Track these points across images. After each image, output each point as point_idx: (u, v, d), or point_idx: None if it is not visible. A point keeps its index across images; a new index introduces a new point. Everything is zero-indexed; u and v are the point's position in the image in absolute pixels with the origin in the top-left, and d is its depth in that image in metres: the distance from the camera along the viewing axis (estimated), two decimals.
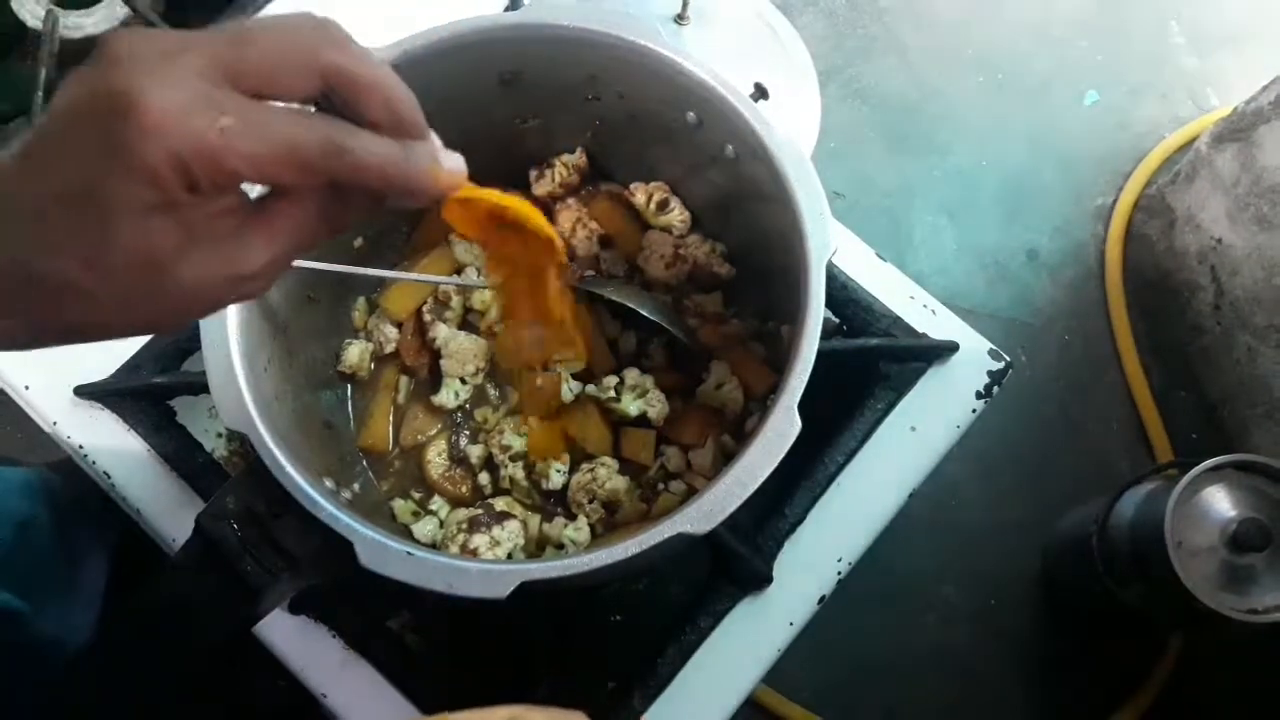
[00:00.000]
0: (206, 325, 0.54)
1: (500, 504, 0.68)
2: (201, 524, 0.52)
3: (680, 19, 0.87)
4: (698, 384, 0.71)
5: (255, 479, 0.52)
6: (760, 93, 0.85)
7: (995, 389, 0.73)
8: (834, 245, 0.56)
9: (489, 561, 0.62)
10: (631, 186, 0.74)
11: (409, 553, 0.49)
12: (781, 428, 0.52)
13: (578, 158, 0.74)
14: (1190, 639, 1.05)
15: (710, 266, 0.73)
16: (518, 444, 0.69)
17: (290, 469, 0.51)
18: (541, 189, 0.75)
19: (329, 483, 0.65)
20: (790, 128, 0.86)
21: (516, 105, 0.69)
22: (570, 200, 0.75)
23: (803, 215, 0.56)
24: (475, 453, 0.71)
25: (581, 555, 0.50)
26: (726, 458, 0.68)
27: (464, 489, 0.70)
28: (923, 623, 1.08)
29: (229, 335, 0.53)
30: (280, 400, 0.60)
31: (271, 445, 0.51)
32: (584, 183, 0.75)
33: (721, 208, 0.72)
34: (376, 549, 0.49)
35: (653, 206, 0.73)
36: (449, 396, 0.72)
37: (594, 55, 0.63)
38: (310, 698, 0.66)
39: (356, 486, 0.69)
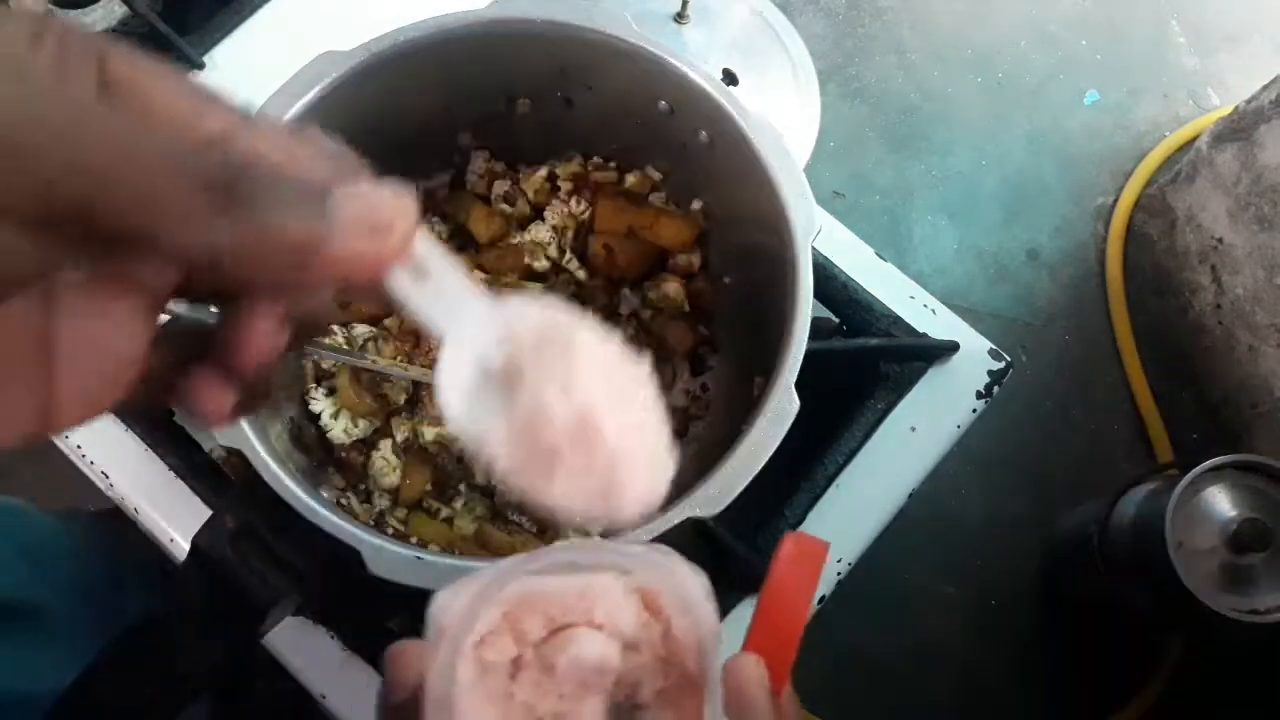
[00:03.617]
0: None
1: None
2: (199, 545, 0.51)
3: (680, 18, 0.87)
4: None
5: (251, 495, 0.51)
6: (730, 78, 0.85)
7: (995, 389, 0.73)
8: (818, 224, 0.57)
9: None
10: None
11: (418, 557, 0.49)
12: (782, 406, 0.52)
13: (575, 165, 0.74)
14: (1190, 640, 1.05)
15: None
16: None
17: (289, 482, 0.50)
18: (530, 187, 0.74)
19: (325, 493, 0.65)
20: (790, 127, 0.86)
21: (487, 105, 0.68)
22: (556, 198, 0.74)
23: (784, 196, 0.57)
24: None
25: None
26: None
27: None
28: (923, 623, 1.08)
29: None
30: (273, 409, 0.60)
31: (268, 459, 0.51)
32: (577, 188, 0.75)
33: (700, 195, 0.72)
34: (385, 555, 0.49)
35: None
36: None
37: (563, 49, 0.62)
38: (310, 698, 0.66)
39: (353, 495, 0.68)
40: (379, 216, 0.25)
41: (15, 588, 0.64)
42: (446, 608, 0.31)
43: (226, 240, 0.23)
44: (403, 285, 0.27)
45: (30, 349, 0.25)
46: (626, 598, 0.31)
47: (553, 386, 0.28)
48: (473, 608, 0.30)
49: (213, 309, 0.28)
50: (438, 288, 0.28)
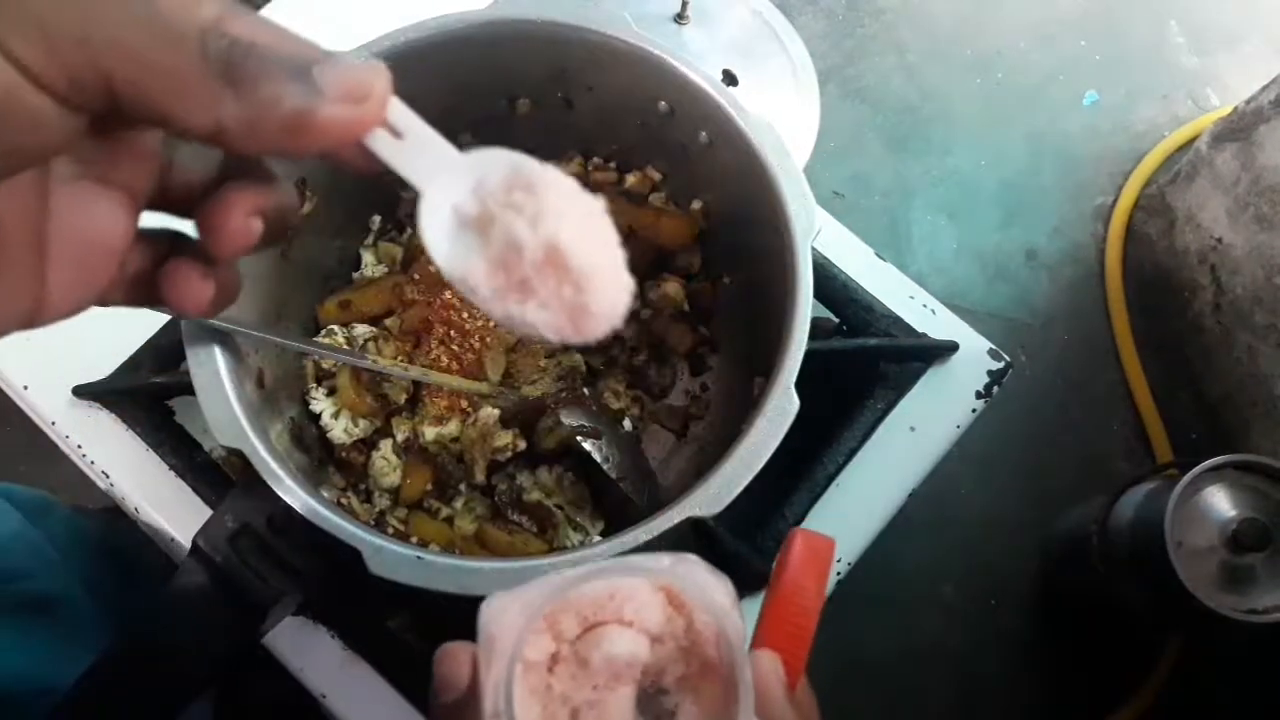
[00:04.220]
0: (190, 339, 0.52)
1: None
2: (199, 545, 0.50)
3: (680, 18, 0.87)
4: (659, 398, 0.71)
5: (251, 495, 0.51)
6: (730, 79, 0.85)
7: (995, 389, 0.73)
8: (818, 224, 0.57)
9: (499, 561, 0.62)
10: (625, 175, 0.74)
11: (418, 556, 0.49)
12: (782, 406, 0.52)
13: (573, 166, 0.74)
14: (1190, 639, 1.05)
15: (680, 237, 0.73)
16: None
17: (290, 482, 0.50)
18: None
19: (325, 493, 0.64)
20: (790, 127, 0.86)
21: (487, 105, 0.68)
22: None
23: (784, 196, 0.57)
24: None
25: (594, 548, 0.50)
26: None
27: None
28: (923, 623, 1.08)
29: (215, 353, 0.52)
30: (273, 410, 0.60)
31: (268, 459, 0.50)
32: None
33: (700, 195, 0.72)
34: (385, 554, 0.49)
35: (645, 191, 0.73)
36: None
37: (563, 50, 0.62)
38: (310, 698, 0.66)
39: (353, 495, 0.68)
40: (358, 84, 0.28)
41: (50, 580, 0.65)
42: (497, 617, 0.33)
43: (231, 112, 0.26)
44: (383, 146, 0.31)
45: (26, 239, 0.28)
46: (653, 596, 0.33)
47: (521, 222, 0.31)
48: (524, 628, 0.32)
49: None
50: (413, 146, 0.31)
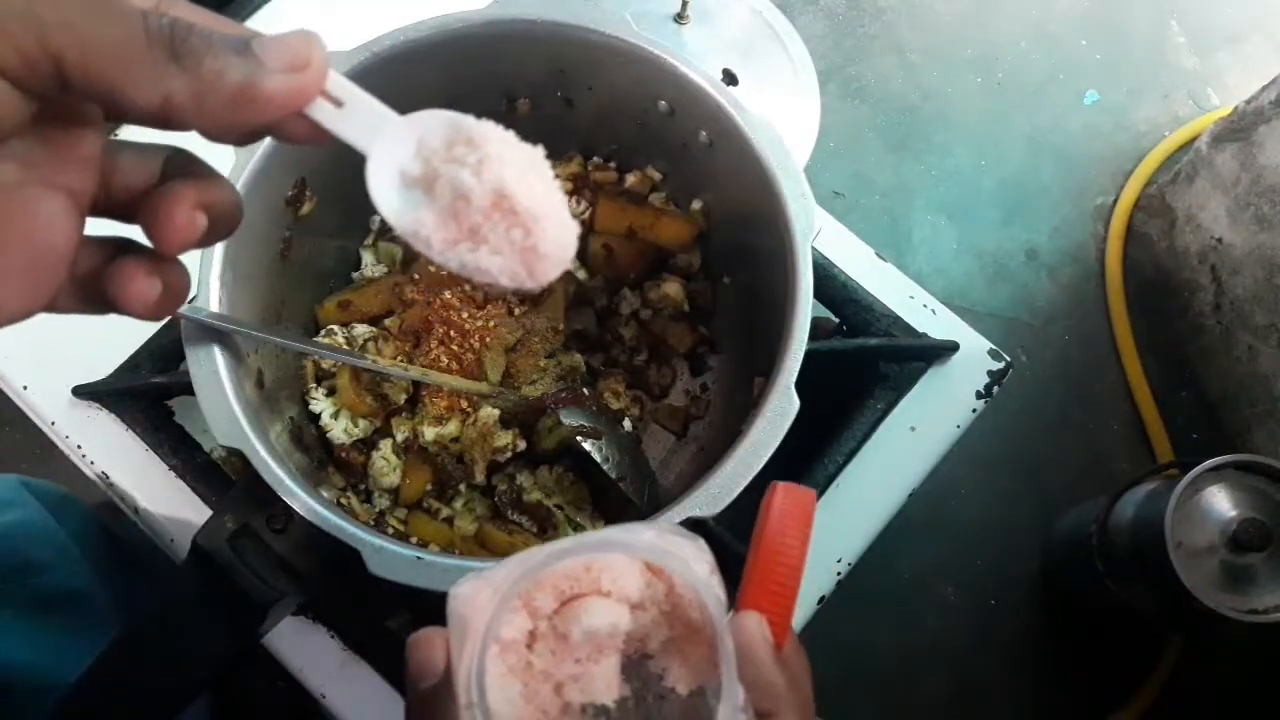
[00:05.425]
0: (190, 339, 0.52)
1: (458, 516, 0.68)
2: (199, 545, 0.50)
3: (680, 18, 0.87)
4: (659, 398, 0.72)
5: (251, 495, 0.51)
6: (730, 79, 0.85)
7: (995, 389, 0.73)
8: (818, 224, 0.57)
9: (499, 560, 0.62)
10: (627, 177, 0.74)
11: (418, 557, 0.49)
12: (781, 406, 0.52)
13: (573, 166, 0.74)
14: (1190, 639, 1.05)
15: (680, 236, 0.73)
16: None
17: (290, 482, 0.50)
18: None
19: (325, 493, 0.64)
20: (790, 127, 0.86)
21: (487, 105, 0.68)
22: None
23: (784, 196, 0.57)
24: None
25: None
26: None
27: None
28: (923, 623, 1.08)
29: (215, 353, 0.52)
30: (273, 410, 0.60)
31: (268, 459, 0.50)
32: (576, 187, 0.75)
33: (700, 195, 0.72)
34: (385, 555, 0.49)
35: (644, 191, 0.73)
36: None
37: (563, 50, 0.62)
38: (310, 698, 0.66)
39: (353, 495, 0.68)
40: (297, 54, 0.30)
41: (69, 574, 0.65)
42: (470, 600, 0.32)
43: (178, 87, 0.27)
44: (325, 115, 0.32)
45: None
46: (630, 564, 0.33)
47: (465, 172, 0.32)
48: (496, 611, 0.31)
49: None
50: (354, 114, 0.33)
